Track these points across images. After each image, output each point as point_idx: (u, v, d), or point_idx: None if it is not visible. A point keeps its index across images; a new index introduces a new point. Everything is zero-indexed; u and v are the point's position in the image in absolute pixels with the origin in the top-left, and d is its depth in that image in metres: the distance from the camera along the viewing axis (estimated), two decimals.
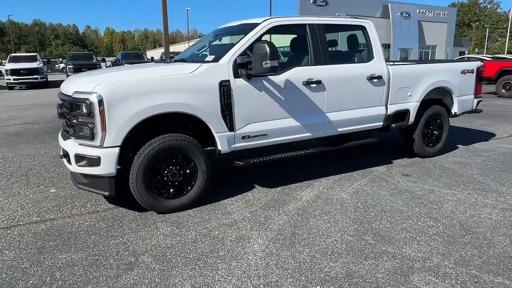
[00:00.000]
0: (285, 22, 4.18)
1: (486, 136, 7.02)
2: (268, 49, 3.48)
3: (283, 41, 7.14)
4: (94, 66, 19.70)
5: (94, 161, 3.27)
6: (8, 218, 3.55)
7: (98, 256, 2.85)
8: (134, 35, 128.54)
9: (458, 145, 6.24)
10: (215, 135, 3.71)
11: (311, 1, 44.11)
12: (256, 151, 4.20)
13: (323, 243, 3.03)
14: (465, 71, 5.57)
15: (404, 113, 5.03)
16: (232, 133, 3.79)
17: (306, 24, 4.27)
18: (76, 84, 3.44)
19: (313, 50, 4.25)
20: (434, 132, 5.52)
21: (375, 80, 4.61)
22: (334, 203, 3.84)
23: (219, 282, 2.51)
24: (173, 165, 3.58)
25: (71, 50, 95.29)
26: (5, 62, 21.36)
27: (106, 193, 3.45)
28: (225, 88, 3.64)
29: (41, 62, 20.46)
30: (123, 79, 3.39)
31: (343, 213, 3.61)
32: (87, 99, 3.20)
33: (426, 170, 4.95)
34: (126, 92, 3.28)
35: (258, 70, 3.58)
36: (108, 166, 3.27)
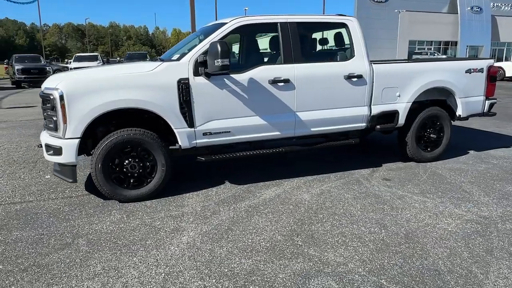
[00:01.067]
0: (254, 21, 4.20)
1: (507, 140, 6.36)
2: (219, 48, 3.55)
3: None
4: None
5: (58, 151, 3.61)
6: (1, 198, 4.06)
7: (44, 236, 3.16)
8: None
9: (470, 150, 5.74)
10: (175, 131, 3.86)
11: None
12: (229, 147, 4.30)
13: (249, 241, 3.04)
14: (472, 70, 5.12)
15: (392, 114, 4.77)
16: (192, 129, 3.92)
17: (277, 22, 4.23)
18: (47, 81, 3.82)
19: (283, 49, 4.21)
20: (432, 135, 5.14)
21: (355, 79, 4.43)
22: (289, 203, 3.81)
23: (127, 267, 2.66)
24: (133, 157, 3.81)
25: (140, 50, 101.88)
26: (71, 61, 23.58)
27: (70, 180, 3.78)
28: (183, 86, 3.78)
29: (101, 61, 22.29)
30: (85, 77, 3.69)
31: (291, 213, 3.57)
32: (51, 94, 3.54)
33: (412, 175, 4.65)
34: (85, 89, 3.57)
35: (211, 69, 3.66)
36: (68, 155, 3.59)
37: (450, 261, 2.69)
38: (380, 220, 3.40)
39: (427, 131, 5.11)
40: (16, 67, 19.21)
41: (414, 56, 40.40)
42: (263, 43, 4.88)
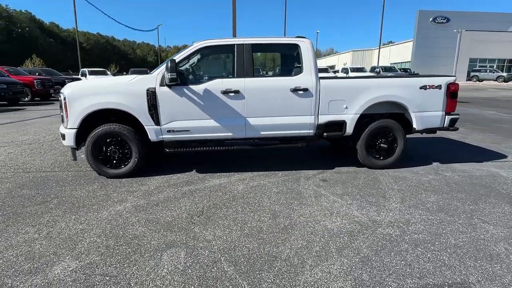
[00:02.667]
0: (214, 43, 4.37)
1: (491, 156, 5.46)
2: (168, 65, 3.86)
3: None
4: None
5: (63, 137, 4.25)
6: (27, 167, 4.88)
7: (38, 195, 3.77)
8: None
9: (435, 162, 5.11)
10: (145, 127, 4.25)
11: (431, 19, 38.70)
12: (198, 142, 4.53)
13: (159, 215, 3.25)
14: (428, 87, 4.58)
15: (340, 124, 4.53)
16: (158, 127, 4.27)
17: (234, 44, 4.36)
18: (63, 88, 4.51)
19: (237, 66, 4.31)
20: (382, 145, 4.73)
21: (301, 92, 4.33)
22: (221, 191, 3.90)
23: (62, 222, 3.09)
24: (114, 145, 4.30)
25: None
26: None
27: (73, 159, 4.44)
28: (151, 93, 4.14)
29: None
30: (82, 85, 4.28)
31: (214, 198, 3.67)
32: (59, 96, 4.21)
33: (351, 179, 4.35)
34: (80, 93, 4.14)
35: (165, 81, 3.98)
36: (69, 140, 4.21)
37: (295, 252, 2.59)
38: (278, 212, 3.33)
39: (378, 141, 4.73)
40: None
41: (472, 73, 35.72)
42: (224, 61, 5.01)
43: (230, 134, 4.41)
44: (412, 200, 3.63)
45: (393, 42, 51.26)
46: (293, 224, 3.06)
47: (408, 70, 31.58)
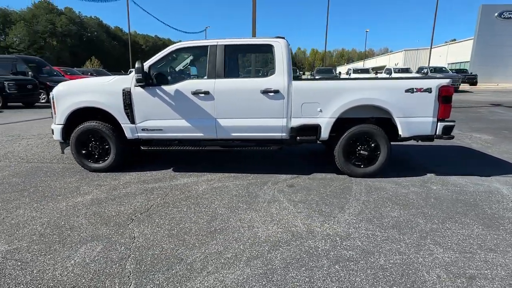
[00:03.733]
0: (188, 45, 4.44)
1: (506, 170, 4.75)
2: (136, 66, 4.01)
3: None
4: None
5: (52, 132, 4.65)
6: (32, 158, 5.39)
7: (22, 183, 4.18)
8: (333, 54, 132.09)
9: (431, 173, 4.61)
10: (122, 125, 4.47)
11: (496, 14, 34.76)
12: (170, 141, 4.67)
13: (108, 209, 3.40)
14: (415, 90, 4.15)
15: (314, 128, 4.31)
16: (134, 125, 4.45)
17: (207, 45, 4.38)
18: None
19: (209, 67, 4.33)
20: (362, 152, 4.38)
21: (271, 94, 4.21)
22: (181, 190, 3.96)
23: (27, 210, 3.38)
24: (94, 141, 4.59)
25: None
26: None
27: (62, 152, 4.82)
28: (126, 93, 4.34)
29: None
30: (68, 84, 4.62)
31: (169, 197, 3.73)
32: (50, 95, 4.61)
33: (321, 186, 4.11)
34: (65, 92, 4.50)
35: (134, 81, 4.14)
36: (57, 135, 4.59)
37: (205, 257, 2.53)
38: (220, 215, 3.27)
39: (359, 147, 4.40)
40: None
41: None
42: (198, 63, 5.00)
43: (201, 134, 4.45)
44: (370, 213, 3.33)
45: (455, 40, 47.00)
46: (224, 229, 3.00)
47: (465, 71, 28.74)
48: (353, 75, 22.64)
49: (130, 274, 2.32)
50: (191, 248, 2.66)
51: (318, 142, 4.47)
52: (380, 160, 4.37)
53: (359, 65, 60.00)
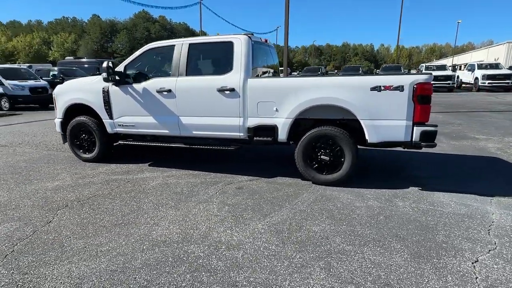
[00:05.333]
0: (158, 45, 4.61)
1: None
2: (102, 66, 4.33)
3: None
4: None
5: (55, 124, 5.35)
6: (51, 147, 6.24)
7: (25, 168, 4.94)
8: (422, 49, 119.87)
9: (416, 187, 3.88)
10: (103, 120, 4.89)
11: None
12: (142, 137, 4.90)
13: (57, 196, 3.79)
14: (382, 88, 3.54)
15: (271, 128, 4.03)
16: (112, 120, 4.83)
17: (174, 45, 4.47)
18: None
19: (173, 65, 4.42)
20: (323, 157, 3.91)
21: (227, 92, 4.08)
22: (132, 183, 4.15)
23: (6, 190, 4.02)
24: (85, 134, 5.11)
25: (362, 64, 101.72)
26: None
27: (62, 142, 5.50)
28: (105, 91, 4.73)
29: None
30: (66, 83, 5.23)
31: (118, 189, 3.96)
32: (53, 93, 5.31)
33: (272, 191, 3.83)
34: (62, 91, 5.13)
35: (103, 80, 4.49)
36: (57, 127, 5.28)
37: (85, 243, 2.64)
38: (135, 210, 3.32)
39: (320, 152, 3.95)
40: None
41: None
42: (167, 62, 5.01)
43: (167, 131, 4.58)
44: (290, 224, 3.00)
45: None
46: (130, 223, 3.06)
47: None
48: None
49: (10, 253, 2.57)
50: (82, 237, 2.80)
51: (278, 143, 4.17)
52: (345, 167, 3.86)
53: (442, 62, 52.96)
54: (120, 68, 4.66)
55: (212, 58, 4.57)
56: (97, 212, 3.32)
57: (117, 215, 3.23)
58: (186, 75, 4.35)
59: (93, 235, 2.85)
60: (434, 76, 19.47)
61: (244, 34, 4.22)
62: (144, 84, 4.52)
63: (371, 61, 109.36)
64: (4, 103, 12.89)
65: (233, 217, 3.17)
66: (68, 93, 5.07)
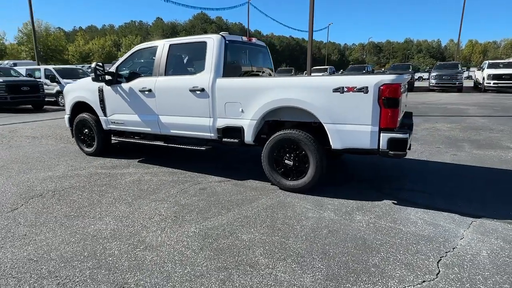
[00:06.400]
0: (144, 46, 4.76)
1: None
2: (91, 66, 4.61)
3: None
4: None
5: (65, 121, 5.86)
6: (69, 140, 6.82)
7: (41, 155, 5.51)
8: (500, 44, 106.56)
9: (389, 200, 3.47)
10: (99, 117, 5.24)
11: None
12: (130, 134, 5.15)
13: (31, 176, 4.15)
14: (345, 89, 3.20)
15: (238, 130, 3.92)
16: (106, 118, 5.14)
17: (156, 46, 4.58)
18: None
19: (155, 65, 4.54)
20: (287, 161, 3.67)
21: (198, 92, 4.08)
22: (110, 177, 4.37)
23: (10, 178, 4.54)
24: (86, 129, 5.52)
25: (424, 63, 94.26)
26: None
27: (72, 137, 5.99)
28: (100, 90, 5.06)
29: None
30: (72, 83, 5.68)
31: (91, 182, 4.21)
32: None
33: (231, 194, 3.73)
34: (68, 90, 5.60)
35: (91, 79, 4.79)
36: (66, 122, 5.78)
37: (7, 231, 2.86)
38: (91, 204, 3.50)
39: (285, 156, 3.73)
40: None
41: None
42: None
43: (149, 129, 4.74)
44: (223, 231, 2.89)
45: None
46: (71, 215, 3.23)
47: None
48: (486, 70, 17.77)
49: None
50: (29, 226, 3.03)
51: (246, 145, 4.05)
52: (309, 174, 3.61)
53: None
54: (112, 68, 4.94)
55: (189, 58, 4.61)
56: (60, 203, 3.56)
57: (74, 207, 3.44)
58: (165, 75, 4.45)
59: (40, 224, 3.07)
60: (497, 75, 17.19)
61: (219, 34, 4.17)
62: (130, 83, 4.73)
63: (437, 58, 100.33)
64: (61, 99, 14.53)
65: (174, 218, 3.17)
66: (74, 91, 5.53)
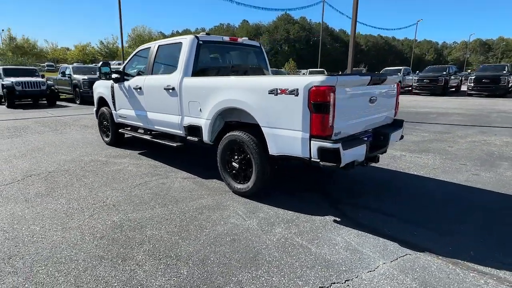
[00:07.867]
0: (145, 47, 5.14)
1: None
2: (98, 66, 5.19)
3: None
4: None
5: (94, 114, 6.70)
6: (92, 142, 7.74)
7: (62, 141, 6.46)
8: None
9: (339, 219, 3.09)
10: (112, 111, 5.86)
11: None
12: (131, 127, 5.64)
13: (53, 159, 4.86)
14: (279, 91, 2.95)
15: (198, 129, 3.95)
16: (116, 112, 5.72)
17: (149, 47, 4.90)
18: None
19: (147, 65, 4.86)
20: (234, 164, 3.53)
21: (171, 91, 4.25)
22: (101, 167, 4.86)
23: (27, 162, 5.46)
24: (106, 122, 6.22)
25: None
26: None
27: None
28: (112, 87, 5.66)
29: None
30: (98, 82, 6.43)
31: (80, 173, 4.75)
32: None
33: (188, 191, 3.80)
34: (95, 86, 6.39)
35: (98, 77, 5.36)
36: (95, 115, 6.61)
37: None
38: (66, 189, 3.97)
39: (233, 158, 3.61)
40: None
41: None
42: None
43: (141, 124, 5.12)
44: (129, 226, 3.00)
45: None
46: (41, 194, 3.72)
47: None
48: None
49: None
50: None
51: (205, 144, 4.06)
52: (253, 178, 3.45)
53: None
54: (121, 67, 5.48)
55: (169, 58, 4.80)
56: (45, 183, 4.15)
57: (49, 187, 3.97)
58: (152, 74, 4.75)
59: (14, 198, 3.65)
60: None
61: (193, 34, 4.27)
62: (130, 82, 5.19)
63: None
64: None
65: (112, 206, 3.41)
66: (98, 88, 6.31)
